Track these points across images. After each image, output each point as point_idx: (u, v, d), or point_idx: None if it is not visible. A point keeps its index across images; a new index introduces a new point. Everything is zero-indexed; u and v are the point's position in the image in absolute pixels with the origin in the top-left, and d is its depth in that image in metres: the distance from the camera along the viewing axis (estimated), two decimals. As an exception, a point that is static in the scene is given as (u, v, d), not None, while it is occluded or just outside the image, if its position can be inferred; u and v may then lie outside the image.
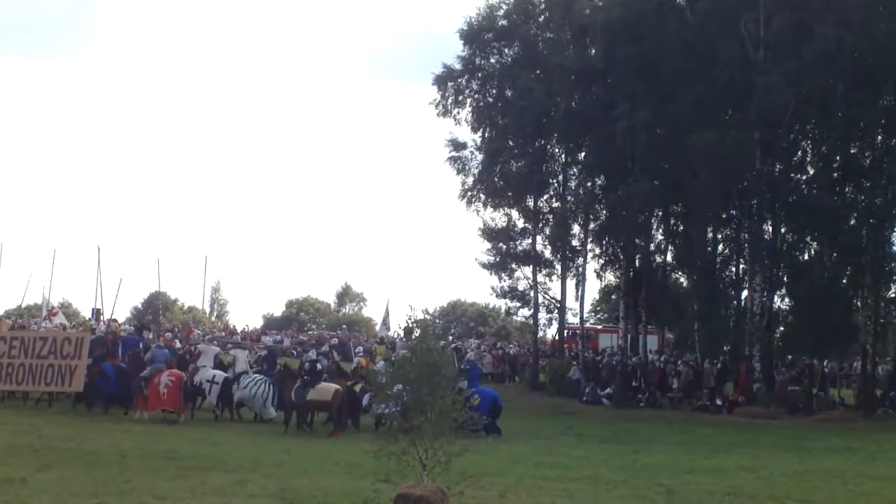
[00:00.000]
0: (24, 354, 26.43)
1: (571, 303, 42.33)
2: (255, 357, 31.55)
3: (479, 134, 41.52)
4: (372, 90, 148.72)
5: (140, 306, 67.97)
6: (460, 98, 41.61)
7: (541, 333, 45.00)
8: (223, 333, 54.76)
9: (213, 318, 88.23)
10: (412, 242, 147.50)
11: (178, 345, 32.28)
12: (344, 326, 72.37)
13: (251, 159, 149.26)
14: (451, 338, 53.31)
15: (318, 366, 25.53)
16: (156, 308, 60.99)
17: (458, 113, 41.66)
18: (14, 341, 26.51)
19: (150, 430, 21.53)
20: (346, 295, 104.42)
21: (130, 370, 25.46)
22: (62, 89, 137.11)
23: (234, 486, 13.29)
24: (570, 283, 41.68)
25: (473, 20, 40.90)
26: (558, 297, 41.61)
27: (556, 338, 44.81)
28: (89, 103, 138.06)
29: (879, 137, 35.77)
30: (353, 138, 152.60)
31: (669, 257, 41.24)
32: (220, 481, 13.69)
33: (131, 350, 28.26)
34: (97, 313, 38.57)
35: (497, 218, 42.18)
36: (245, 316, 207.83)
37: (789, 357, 37.81)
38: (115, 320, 38.48)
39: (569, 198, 41.20)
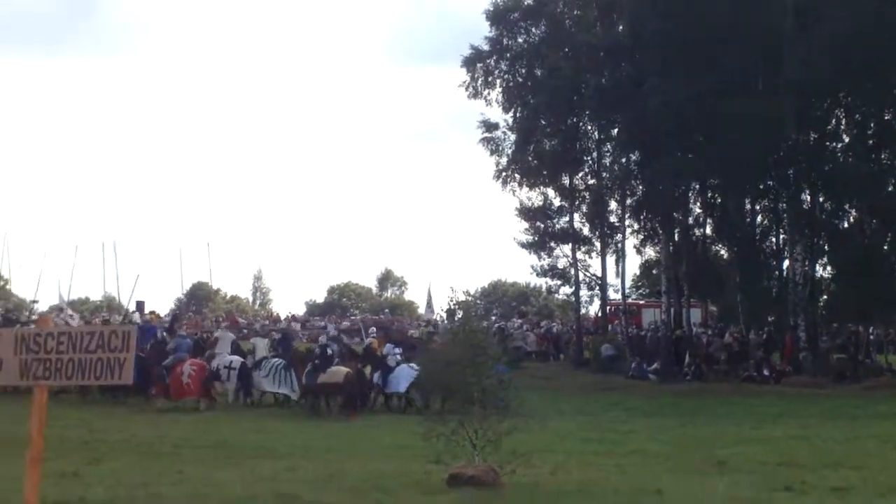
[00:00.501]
0: (72, 349, 26.42)
1: (612, 279, 42.03)
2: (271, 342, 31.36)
3: (511, 114, 41.30)
4: (398, 73, 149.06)
5: (183, 297, 68.36)
6: (490, 79, 41.29)
7: (584, 310, 44.87)
8: (266, 321, 54.99)
9: (256, 307, 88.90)
10: (451, 225, 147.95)
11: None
12: (386, 310, 72.64)
13: (290, 147, 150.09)
14: (493, 318, 53.25)
15: (329, 350, 25.69)
16: (198, 298, 61.39)
17: (489, 94, 41.42)
18: (62, 336, 26.50)
19: (197, 421, 21.68)
20: (387, 279, 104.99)
21: (149, 359, 25.56)
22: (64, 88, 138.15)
23: (285, 472, 13.36)
24: (610, 260, 41.57)
25: (499, 0, 40.76)
26: (599, 273, 41.54)
27: (599, 314, 44.74)
28: (101, 100, 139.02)
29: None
30: (388, 122, 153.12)
31: (709, 230, 40.98)
32: (272, 468, 13.77)
33: (150, 340, 28.39)
34: (140, 306, 38.91)
35: (533, 197, 42.06)
36: (288, 303, 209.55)
37: (834, 325, 37.48)
38: (153, 312, 38.87)
39: (604, 174, 40.94)
